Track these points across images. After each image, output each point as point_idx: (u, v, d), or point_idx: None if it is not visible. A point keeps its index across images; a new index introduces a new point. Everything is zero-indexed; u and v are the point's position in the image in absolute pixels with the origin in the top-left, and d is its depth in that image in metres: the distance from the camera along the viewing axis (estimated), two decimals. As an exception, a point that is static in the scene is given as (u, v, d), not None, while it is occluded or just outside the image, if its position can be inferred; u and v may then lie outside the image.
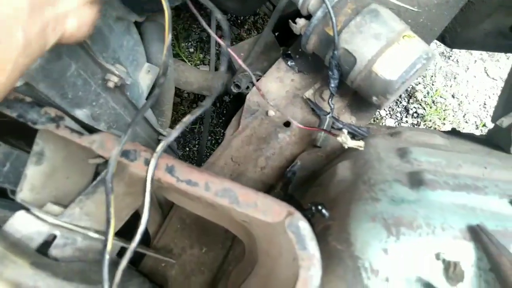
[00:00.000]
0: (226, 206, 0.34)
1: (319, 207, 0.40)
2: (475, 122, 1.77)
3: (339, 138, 0.48)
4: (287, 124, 0.71)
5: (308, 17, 0.64)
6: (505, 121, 0.59)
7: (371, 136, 0.60)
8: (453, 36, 0.92)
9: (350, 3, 0.58)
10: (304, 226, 0.32)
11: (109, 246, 0.36)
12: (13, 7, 0.29)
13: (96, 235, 0.48)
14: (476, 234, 0.33)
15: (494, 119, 0.66)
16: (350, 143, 0.48)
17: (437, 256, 0.33)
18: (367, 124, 0.69)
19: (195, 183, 0.34)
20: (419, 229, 0.34)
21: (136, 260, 0.66)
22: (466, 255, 0.33)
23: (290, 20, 0.65)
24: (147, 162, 0.36)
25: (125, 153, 0.37)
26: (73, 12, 0.36)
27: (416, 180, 0.40)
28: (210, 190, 0.34)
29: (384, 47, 0.54)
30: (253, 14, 1.95)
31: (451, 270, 0.32)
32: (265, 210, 0.33)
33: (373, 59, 0.55)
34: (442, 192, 0.38)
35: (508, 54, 1.91)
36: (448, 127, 1.74)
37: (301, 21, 0.64)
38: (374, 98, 0.58)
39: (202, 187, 0.34)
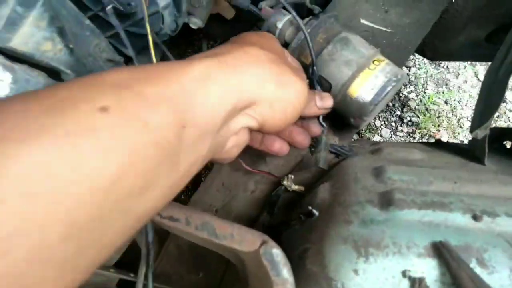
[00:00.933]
0: (206, 238, 0.37)
1: (309, 210, 0.44)
2: (470, 126, 1.79)
3: (284, 182, 0.53)
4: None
5: (286, 46, 0.68)
6: (479, 133, 0.62)
7: (352, 156, 0.63)
8: (432, 50, 0.96)
9: (321, 33, 0.61)
10: (277, 253, 0.35)
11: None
12: None
13: (98, 270, 0.51)
14: (439, 250, 0.36)
15: (471, 130, 0.68)
16: (293, 187, 0.59)
17: (403, 274, 0.36)
18: (350, 142, 0.72)
19: (176, 219, 0.37)
20: (386, 249, 0.37)
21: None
22: (430, 271, 0.35)
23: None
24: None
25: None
26: None
27: (386, 200, 0.43)
28: (190, 224, 0.37)
29: (356, 72, 0.58)
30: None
31: (416, 286, 0.34)
32: (240, 241, 0.36)
33: (346, 84, 0.58)
34: (409, 211, 0.40)
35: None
36: (443, 134, 1.76)
37: (279, 51, 0.67)
38: (352, 120, 0.61)
39: (183, 222, 0.37)
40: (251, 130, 0.40)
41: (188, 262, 0.73)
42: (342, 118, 0.65)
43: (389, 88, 0.56)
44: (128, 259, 0.63)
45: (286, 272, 0.34)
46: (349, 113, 0.61)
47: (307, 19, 0.64)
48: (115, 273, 0.57)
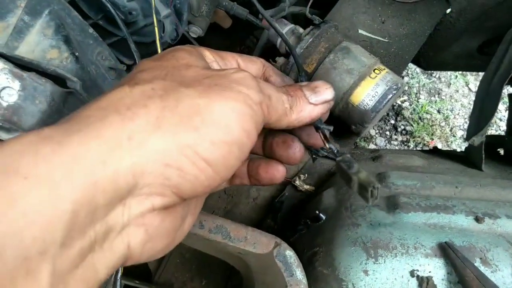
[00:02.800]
0: (219, 241, 0.37)
1: (315, 215, 0.45)
2: (462, 135, 1.83)
3: (296, 182, 0.54)
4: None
5: (287, 55, 0.70)
6: (476, 140, 0.64)
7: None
8: (427, 59, 0.99)
9: (323, 42, 0.63)
10: (290, 254, 0.36)
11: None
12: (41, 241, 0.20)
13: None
14: (445, 250, 0.37)
15: (467, 137, 0.70)
16: (305, 187, 0.56)
17: (412, 273, 0.37)
18: (350, 150, 0.74)
19: (190, 222, 0.38)
20: (395, 250, 0.38)
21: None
22: (437, 271, 0.37)
23: (270, 59, 0.70)
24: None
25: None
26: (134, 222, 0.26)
27: (392, 204, 0.44)
28: (204, 227, 0.38)
29: (357, 80, 0.60)
30: (239, 45, 2.03)
31: (424, 285, 0.35)
32: (254, 243, 0.37)
33: (348, 92, 0.60)
34: (415, 214, 0.42)
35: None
36: (437, 142, 1.79)
37: (280, 60, 0.69)
38: (353, 127, 0.63)
39: (197, 225, 0.38)
40: (173, 206, 0.28)
41: (191, 270, 0.73)
42: (343, 125, 0.66)
43: (390, 96, 0.58)
44: (131, 267, 0.63)
45: (299, 273, 0.34)
46: (350, 120, 0.62)
47: (308, 28, 0.66)
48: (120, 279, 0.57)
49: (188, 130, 0.26)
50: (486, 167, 0.61)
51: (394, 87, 0.59)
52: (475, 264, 0.36)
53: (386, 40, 0.79)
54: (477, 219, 0.41)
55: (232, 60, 0.36)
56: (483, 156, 0.60)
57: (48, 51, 0.61)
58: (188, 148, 0.25)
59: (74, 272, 0.22)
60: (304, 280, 0.34)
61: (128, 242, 0.26)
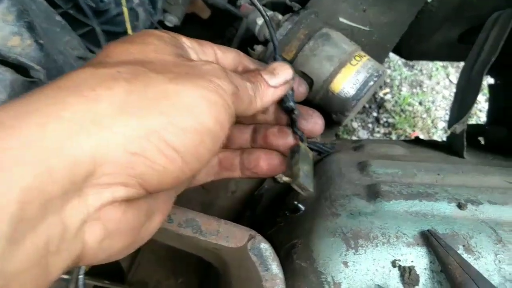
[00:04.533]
0: (190, 236, 0.35)
1: (294, 206, 0.43)
2: (444, 127, 1.84)
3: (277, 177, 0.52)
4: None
5: (265, 43, 0.67)
6: (457, 128, 0.63)
7: (335, 152, 0.62)
8: (408, 49, 0.98)
9: (303, 28, 0.61)
10: (266, 247, 0.33)
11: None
12: None
13: (66, 276, 0.48)
14: (428, 238, 0.36)
15: (449, 125, 0.69)
16: (283, 179, 0.54)
17: (393, 263, 0.35)
18: (332, 140, 0.72)
19: (158, 216, 0.35)
20: (375, 240, 0.36)
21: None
22: (420, 260, 0.35)
23: (248, 48, 0.68)
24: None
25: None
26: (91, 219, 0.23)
27: (373, 193, 0.42)
28: (174, 221, 0.35)
29: (338, 67, 0.58)
30: (220, 37, 2.00)
31: (407, 276, 0.34)
32: (227, 236, 0.34)
33: (328, 80, 0.58)
34: (396, 202, 0.40)
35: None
36: (419, 134, 1.81)
37: (258, 48, 0.67)
38: (334, 116, 0.61)
39: (165, 219, 0.35)
40: (137, 199, 0.25)
41: (166, 268, 0.70)
42: (324, 114, 0.64)
43: (371, 84, 0.56)
44: (102, 266, 0.60)
45: (275, 267, 0.32)
46: (331, 109, 0.60)
47: (287, 15, 0.63)
48: (90, 280, 0.54)
49: (154, 114, 0.24)
50: (468, 154, 0.60)
51: (376, 74, 0.57)
52: (458, 251, 0.35)
53: (367, 29, 0.77)
54: (460, 206, 0.39)
55: (210, 48, 0.36)
56: (465, 143, 0.59)
57: (10, 38, 0.57)
58: (155, 133, 0.24)
59: (24, 272, 0.20)
60: (281, 274, 0.32)
61: (83, 240, 0.23)
